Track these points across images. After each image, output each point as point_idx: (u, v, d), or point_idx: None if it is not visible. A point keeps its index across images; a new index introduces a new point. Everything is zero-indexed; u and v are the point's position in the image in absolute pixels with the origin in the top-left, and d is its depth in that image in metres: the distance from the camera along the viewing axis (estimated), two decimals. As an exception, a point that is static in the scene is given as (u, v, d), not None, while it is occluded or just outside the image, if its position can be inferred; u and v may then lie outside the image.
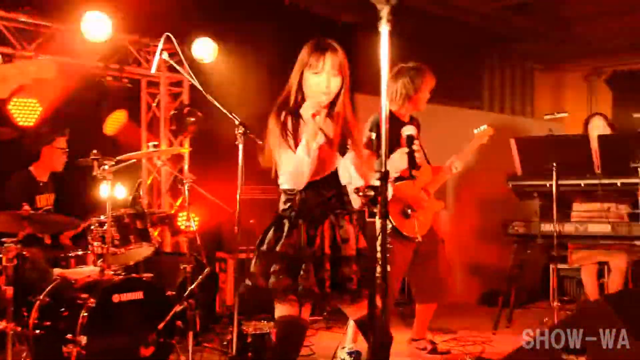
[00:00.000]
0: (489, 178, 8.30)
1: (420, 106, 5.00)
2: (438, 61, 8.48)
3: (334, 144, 3.25)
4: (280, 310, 3.21)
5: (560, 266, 6.49)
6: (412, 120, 4.93)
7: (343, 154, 3.30)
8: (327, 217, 3.18)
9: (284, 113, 3.21)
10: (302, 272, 3.07)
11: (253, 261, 3.25)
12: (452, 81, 8.82)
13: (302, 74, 3.25)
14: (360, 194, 2.64)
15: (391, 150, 4.47)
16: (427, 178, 5.03)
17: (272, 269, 3.12)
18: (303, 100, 3.22)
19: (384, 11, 2.47)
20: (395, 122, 4.34)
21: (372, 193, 2.57)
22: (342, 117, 3.27)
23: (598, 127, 6.29)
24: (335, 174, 3.28)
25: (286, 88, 3.30)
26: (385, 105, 2.54)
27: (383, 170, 2.54)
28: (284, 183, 3.23)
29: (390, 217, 4.54)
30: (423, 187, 4.99)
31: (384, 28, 2.50)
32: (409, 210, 4.87)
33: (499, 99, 9.87)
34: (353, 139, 3.30)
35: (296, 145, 3.13)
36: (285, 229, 3.15)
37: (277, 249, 3.12)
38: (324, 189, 3.22)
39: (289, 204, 3.19)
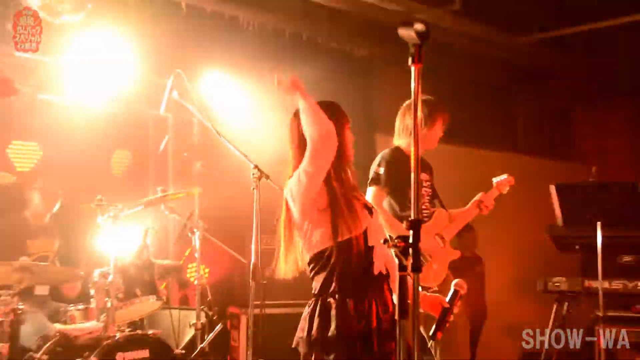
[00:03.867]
0: (525, 228, 8.27)
1: (432, 144, 4.83)
2: (467, 100, 8.57)
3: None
4: None
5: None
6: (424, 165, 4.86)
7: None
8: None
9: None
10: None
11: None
12: (483, 121, 8.87)
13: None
14: (390, 246, 2.60)
15: (402, 189, 4.47)
16: (443, 223, 4.96)
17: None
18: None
19: (412, 47, 2.45)
20: (405, 159, 4.32)
21: (403, 244, 2.53)
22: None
23: None
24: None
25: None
26: (416, 149, 2.51)
27: (414, 217, 2.50)
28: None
29: None
30: (437, 233, 4.94)
31: (414, 65, 2.47)
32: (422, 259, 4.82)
33: (536, 140, 9.84)
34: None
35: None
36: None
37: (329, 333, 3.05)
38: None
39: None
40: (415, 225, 2.48)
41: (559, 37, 8.34)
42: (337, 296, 3.07)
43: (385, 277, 3.15)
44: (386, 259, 3.15)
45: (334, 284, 3.10)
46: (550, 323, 6.26)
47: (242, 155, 4.55)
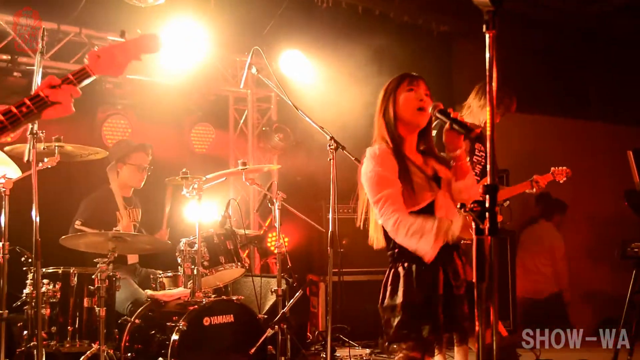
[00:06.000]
0: (603, 194, 8.09)
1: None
2: (541, 68, 8.38)
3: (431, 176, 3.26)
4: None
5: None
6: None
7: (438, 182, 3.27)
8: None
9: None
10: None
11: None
12: (557, 90, 8.66)
13: (394, 98, 3.26)
14: (467, 210, 2.59)
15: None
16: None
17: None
18: (397, 130, 3.25)
19: (487, 15, 2.44)
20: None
21: (479, 208, 2.53)
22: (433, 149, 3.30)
23: None
24: (431, 206, 3.21)
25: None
26: (492, 114, 2.50)
27: (490, 182, 2.50)
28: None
29: None
30: None
31: (488, 32, 2.46)
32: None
33: (611, 108, 9.53)
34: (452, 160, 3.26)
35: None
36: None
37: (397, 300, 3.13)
38: None
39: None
40: (491, 190, 2.50)
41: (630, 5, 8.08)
42: (405, 264, 3.12)
43: (454, 246, 3.15)
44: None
45: (402, 254, 3.15)
46: (630, 288, 6.11)
47: (318, 128, 4.58)
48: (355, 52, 6.80)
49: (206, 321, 4.41)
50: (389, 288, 3.16)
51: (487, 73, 2.51)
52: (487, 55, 2.48)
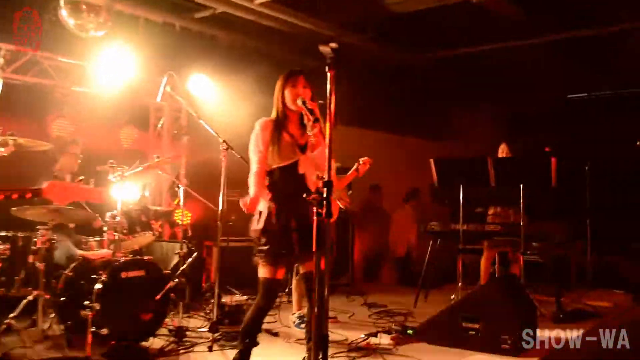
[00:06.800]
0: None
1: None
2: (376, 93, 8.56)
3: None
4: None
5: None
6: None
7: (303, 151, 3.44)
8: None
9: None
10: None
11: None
12: (386, 113, 8.85)
13: (282, 92, 3.45)
14: (309, 199, 2.69)
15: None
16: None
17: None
18: (285, 112, 3.43)
19: (329, 60, 2.61)
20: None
21: (319, 198, 2.64)
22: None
23: (503, 151, 6.19)
24: (295, 165, 3.41)
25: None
26: (331, 129, 2.66)
27: (327, 178, 2.63)
28: None
29: None
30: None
31: (330, 72, 2.63)
32: None
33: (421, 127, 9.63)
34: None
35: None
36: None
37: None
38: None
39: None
40: (328, 184, 2.62)
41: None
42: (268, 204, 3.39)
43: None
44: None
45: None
46: (427, 255, 6.48)
47: (214, 133, 4.68)
48: (245, 77, 6.84)
49: (123, 275, 4.35)
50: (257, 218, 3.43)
51: (328, 101, 2.68)
52: (328, 87, 2.65)
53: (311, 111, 3.27)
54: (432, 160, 6.04)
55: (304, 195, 2.73)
